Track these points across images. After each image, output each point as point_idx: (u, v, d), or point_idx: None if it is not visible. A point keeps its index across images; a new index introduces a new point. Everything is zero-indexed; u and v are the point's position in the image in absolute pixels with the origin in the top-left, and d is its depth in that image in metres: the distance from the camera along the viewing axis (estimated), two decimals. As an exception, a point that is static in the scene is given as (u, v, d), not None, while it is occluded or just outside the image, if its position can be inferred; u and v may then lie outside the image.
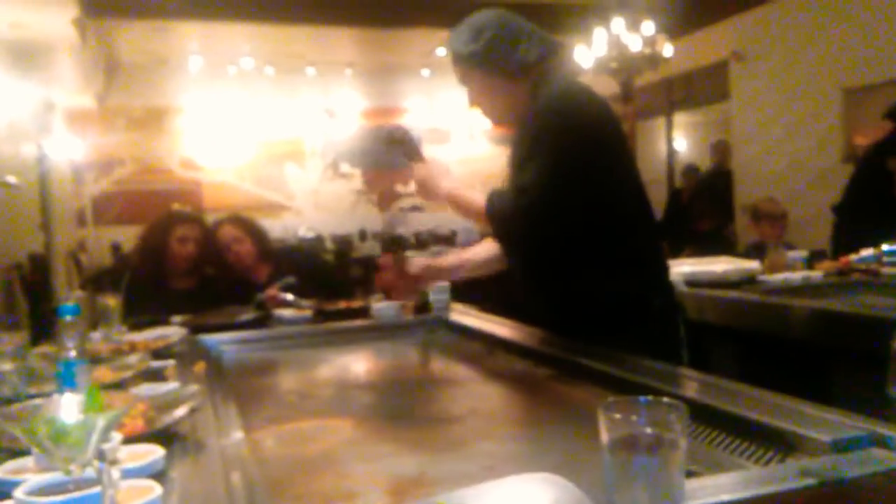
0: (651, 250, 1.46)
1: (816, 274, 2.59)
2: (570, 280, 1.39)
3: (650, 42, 5.30)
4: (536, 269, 1.45)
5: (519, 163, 1.35)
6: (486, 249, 1.65)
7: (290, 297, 2.29)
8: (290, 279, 2.46)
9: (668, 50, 5.38)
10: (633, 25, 5.29)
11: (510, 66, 1.37)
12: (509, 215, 1.30)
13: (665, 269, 1.48)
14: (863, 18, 5.00)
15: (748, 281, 2.48)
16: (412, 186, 1.50)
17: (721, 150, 6.45)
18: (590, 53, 5.44)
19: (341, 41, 7.82)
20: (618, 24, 5.28)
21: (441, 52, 7.87)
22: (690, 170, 6.54)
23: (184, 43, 7.54)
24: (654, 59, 5.36)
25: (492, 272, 1.58)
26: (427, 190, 1.45)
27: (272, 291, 2.30)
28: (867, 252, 2.63)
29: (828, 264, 2.71)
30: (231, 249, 2.56)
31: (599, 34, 5.33)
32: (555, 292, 1.45)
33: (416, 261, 1.68)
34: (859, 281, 2.51)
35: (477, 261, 1.66)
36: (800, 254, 2.75)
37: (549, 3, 6.76)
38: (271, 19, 6.54)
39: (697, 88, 7.11)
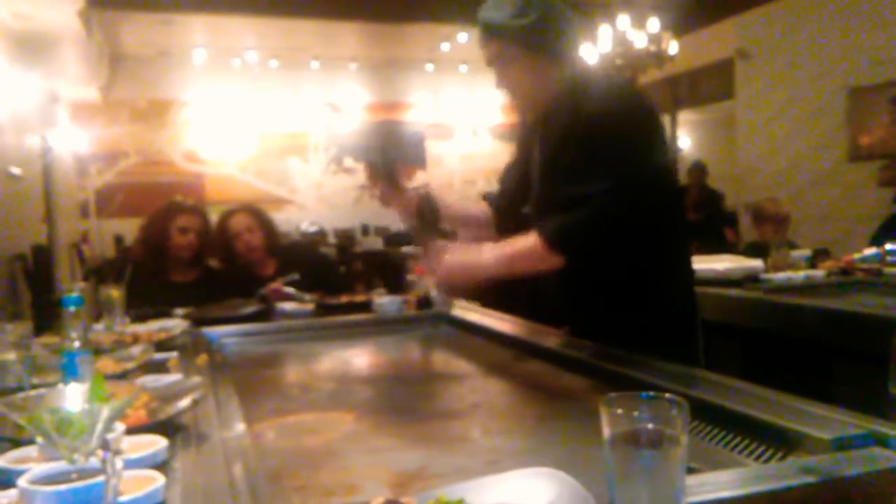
0: (686, 252, 1.45)
1: (819, 273, 2.58)
2: (610, 281, 1.33)
3: (655, 39, 5.29)
4: (588, 279, 1.36)
5: (561, 163, 1.28)
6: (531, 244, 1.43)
7: (291, 290, 2.29)
8: (295, 276, 2.46)
9: (673, 47, 5.37)
10: (639, 22, 5.28)
11: (554, 48, 1.30)
12: (578, 231, 1.23)
13: (692, 273, 1.46)
14: (868, 17, 4.98)
15: (751, 279, 2.48)
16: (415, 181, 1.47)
17: (697, 173, 6.48)
18: (595, 50, 5.43)
19: (346, 35, 7.80)
20: (623, 21, 5.27)
21: (445, 47, 7.85)
22: (697, 167, 6.53)
23: (188, 36, 7.53)
24: (658, 57, 5.35)
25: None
26: (458, 281, 1.35)
27: (274, 285, 2.30)
28: (870, 251, 2.63)
29: (830, 263, 2.71)
30: (242, 238, 2.55)
31: (604, 31, 5.32)
32: (600, 303, 1.38)
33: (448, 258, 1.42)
34: (862, 280, 2.51)
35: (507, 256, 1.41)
36: (803, 253, 2.75)
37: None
38: (276, 13, 6.53)
39: (702, 86, 7.09)
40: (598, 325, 1.37)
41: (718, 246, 3.64)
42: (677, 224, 1.41)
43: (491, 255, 1.31)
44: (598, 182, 1.21)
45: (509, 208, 1.58)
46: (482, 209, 1.63)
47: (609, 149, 1.23)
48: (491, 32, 1.33)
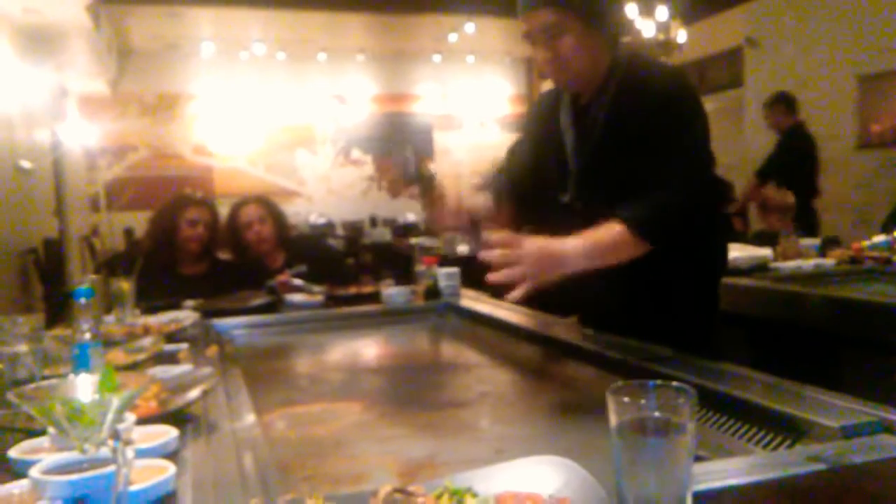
0: (724, 243, 1.43)
1: (829, 261, 2.56)
2: (645, 272, 1.22)
3: (664, 28, 5.26)
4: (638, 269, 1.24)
5: (616, 144, 1.22)
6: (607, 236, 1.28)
7: (300, 282, 2.30)
8: (303, 267, 2.47)
9: (681, 36, 5.34)
10: (647, 11, 5.24)
11: (611, 23, 1.27)
12: (670, 219, 1.16)
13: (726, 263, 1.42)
14: (877, 5, 4.91)
15: (760, 268, 2.46)
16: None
17: None
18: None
19: (353, 27, 7.78)
20: (632, 9, 5.23)
21: (452, 38, 7.81)
22: None
23: (196, 29, 7.53)
24: (667, 45, 5.32)
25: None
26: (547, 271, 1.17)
27: (283, 276, 2.32)
28: (879, 239, 2.61)
29: (840, 252, 2.69)
30: (253, 228, 2.56)
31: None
32: (621, 298, 1.31)
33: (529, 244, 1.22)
34: (871, 269, 2.50)
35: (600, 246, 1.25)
36: (812, 241, 2.73)
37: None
38: (283, 5, 6.52)
39: (711, 74, 7.03)
40: (614, 319, 1.33)
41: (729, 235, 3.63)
42: (718, 220, 1.38)
43: (579, 245, 1.17)
44: (684, 168, 1.16)
45: (515, 193, 1.47)
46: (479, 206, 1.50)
47: (686, 132, 1.18)
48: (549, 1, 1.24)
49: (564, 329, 1.45)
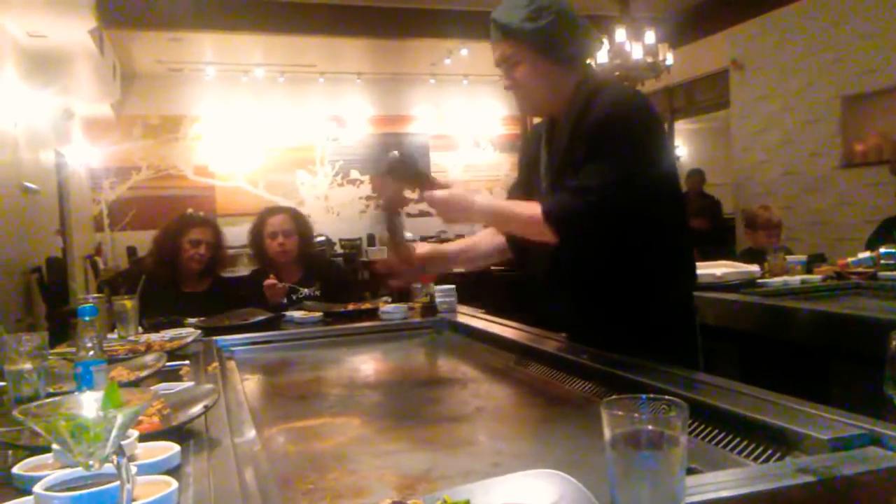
0: (690, 258, 1.45)
1: (815, 277, 2.59)
2: (614, 287, 1.32)
3: (652, 51, 5.36)
4: (578, 274, 1.36)
5: (570, 163, 1.29)
6: (490, 238, 1.59)
7: (295, 286, 2.31)
8: (316, 290, 2.47)
9: (669, 59, 5.44)
10: (636, 35, 5.34)
11: (564, 53, 1.32)
12: (578, 213, 1.22)
13: (695, 278, 1.48)
14: (860, 28, 5.02)
15: (748, 284, 2.48)
16: (424, 199, 1.39)
17: (695, 179, 6.46)
18: (593, 62, 5.49)
19: (351, 51, 7.89)
20: (620, 33, 5.33)
21: (447, 62, 7.92)
22: (695, 173, 6.54)
23: (198, 53, 7.64)
24: (655, 68, 5.42)
25: (494, 264, 1.46)
26: (453, 213, 1.33)
27: (271, 280, 2.32)
28: (864, 255, 2.63)
29: (826, 268, 2.72)
30: (277, 239, 2.54)
31: (602, 43, 5.38)
32: (601, 311, 1.38)
33: (420, 245, 1.57)
34: (857, 284, 2.52)
35: (480, 249, 1.60)
36: (799, 258, 2.76)
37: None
38: (283, 30, 6.63)
39: (698, 96, 7.15)
40: (598, 332, 1.38)
41: (719, 253, 3.67)
42: (680, 230, 1.39)
43: (486, 201, 1.33)
44: (603, 175, 1.22)
45: None
46: (489, 238, 1.61)
47: (615, 148, 1.24)
48: (503, 33, 1.33)
49: (557, 344, 1.46)
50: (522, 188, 1.53)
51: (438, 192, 1.32)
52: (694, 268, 1.46)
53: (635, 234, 1.29)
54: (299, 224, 2.61)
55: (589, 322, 1.41)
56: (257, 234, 2.59)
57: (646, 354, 1.22)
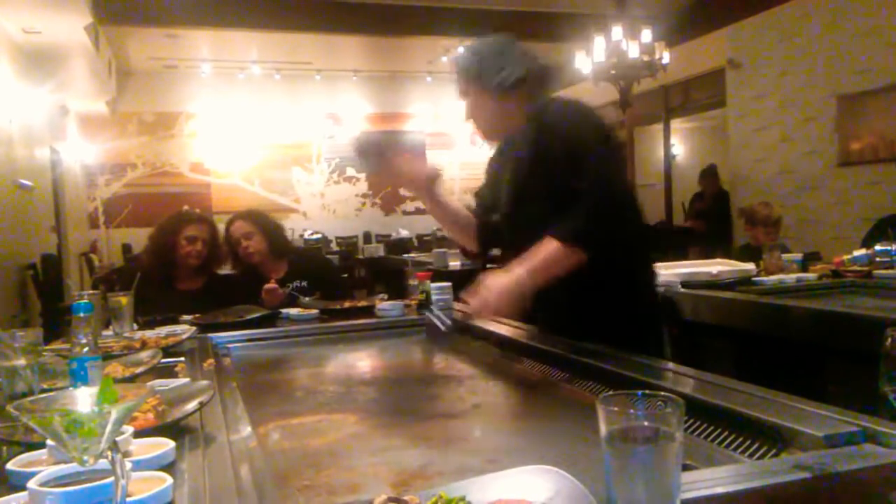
0: (647, 254, 1.58)
1: (810, 275, 2.60)
2: (590, 289, 1.42)
3: (648, 50, 5.37)
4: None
5: (532, 174, 1.44)
6: (468, 220, 1.72)
7: (295, 293, 2.32)
8: (303, 282, 2.48)
9: (665, 57, 5.44)
10: (632, 34, 5.35)
11: (493, 83, 1.49)
12: (587, 221, 1.33)
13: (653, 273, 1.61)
14: (855, 27, 5.05)
15: (744, 282, 2.49)
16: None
17: (711, 177, 6.44)
18: (589, 60, 5.49)
19: (347, 49, 7.89)
20: (617, 31, 5.34)
21: (444, 59, 7.93)
22: (710, 171, 6.51)
23: (194, 50, 7.62)
24: (652, 67, 5.43)
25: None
26: (513, 303, 1.38)
27: (271, 285, 2.32)
28: (860, 252, 2.64)
29: (821, 266, 2.73)
30: (241, 245, 2.57)
31: (599, 42, 5.39)
32: (571, 299, 1.46)
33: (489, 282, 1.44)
34: (852, 282, 2.53)
35: (459, 221, 1.71)
36: (794, 256, 2.77)
37: (551, 12, 6.82)
38: (279, 27, 6.62)
39: (694, 95, 7.17)
40: (565, 325, 1.48)
41: (716, 250, 3.69)
42: (639, 228, 1.51)
43: (523, 270, 1.36)
44: (583, 177, 1.34)
45: (483, 224, 1.73)
46: (469, 215, 1.77)
47: (588, 151, 1.36)
48: (457, 74, 1.57)
49: (553, 341, 1.46)
50: (487, 192, 1.72)
51: (486, 294, 1.37)
52: (651, 263, 1.58)
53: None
54: (258, 223, 2.62)
55: (556, 314, 1.53)
56: (229, 244, 2.61)
57: (614, 344, 1.31)
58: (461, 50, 1.60)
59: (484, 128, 1.60)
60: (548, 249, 1.36)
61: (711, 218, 6.17)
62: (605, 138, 1.42)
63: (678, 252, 4.83)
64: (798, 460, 0.75)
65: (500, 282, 1.35)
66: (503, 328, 1.68)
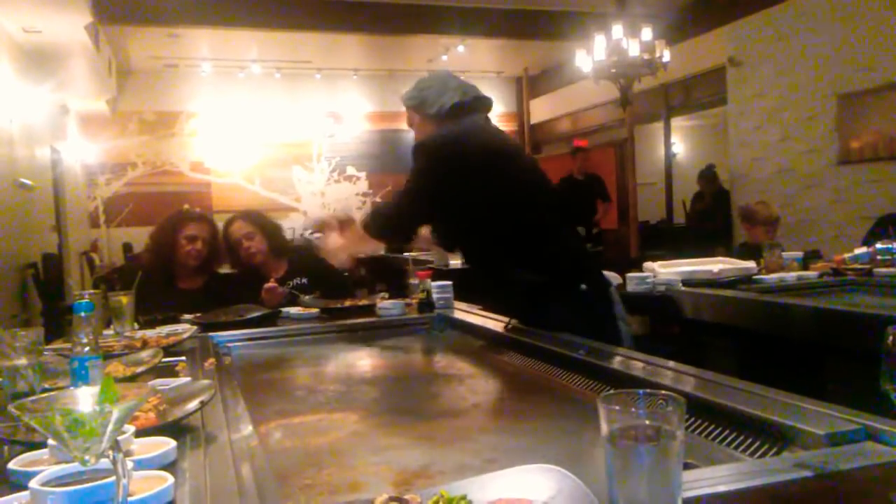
0: (566, 248, 1.75)
1: (811, 274, 2.60)
2: (504, 268, 1.71)
3: (649, 48, 5.35)
4: (477, 260, 1.83)
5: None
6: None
7: (295, 292, 2.31)
8: (303, 280, 2.48)
9: (666, 55, 5.43)
10: (633, 32, 5.34)
11: (428, 112, 1.78)
12: (373, 215, 1.84)
13: (588, 261, 1.82)
14: (856, 25, 5.03)
15: (744, 281, 2.49)
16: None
17: (709, 178, 6.44)
18: (590, 59, 5.49)
19: (348, 47, 7.88)
20: (617, 30, 5.33)
21: (444, 58, 7.92)
22: (708, 173, 6.50)
23: (194, 49, 7.61)
24: (652, 65, 5.41)
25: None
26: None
27: (271, 284, 2.32)
28: (860, 251, 2.64)
29: (822, 265, 2.73)
30: (242, 245, 2.57)
31: (599, 40, 5.38)
32: (496, 278, 1.78)
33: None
34: (853, 280, 2.53)
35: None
36: (795, 254, 2.77)
37: (551, 10, 6.82)
38: (279, 26, 6.61)
39: (695, 93, 7.15)
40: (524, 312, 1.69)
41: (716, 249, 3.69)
42: (527, 214, 1.70)
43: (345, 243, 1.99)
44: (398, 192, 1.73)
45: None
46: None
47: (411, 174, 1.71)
48: (404, 105, 1.88)
49: (554, 340, 1.46)
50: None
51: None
52: (570, 258, 1.73)
53: (489, 227, 1.67)
54: (258, 223, 2.62)
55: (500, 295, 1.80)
56: (228, 245, 2.61)
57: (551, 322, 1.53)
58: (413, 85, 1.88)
59: None
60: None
61: (712, 218, 6.17)
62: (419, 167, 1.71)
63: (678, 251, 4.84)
64: (799, 459, 0.75)
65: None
66: (503, 326, 1.68)
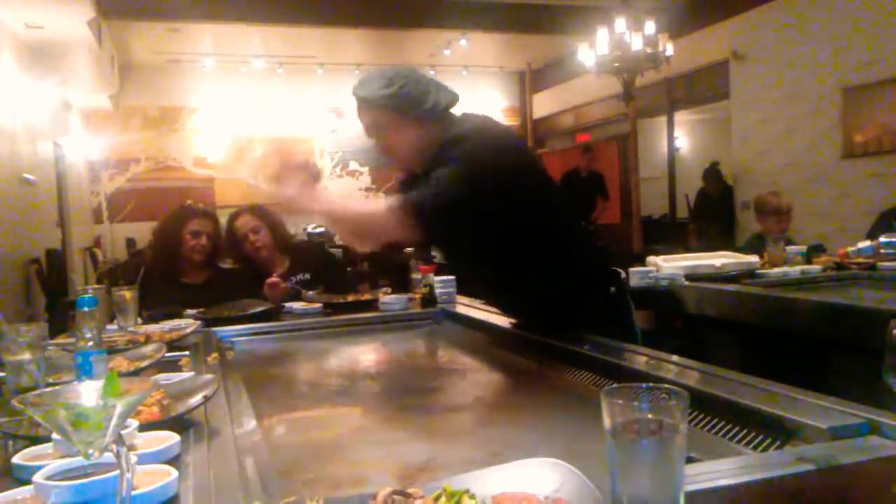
0: (587, 254, 1.64)
1: (814, 268, 2.59)
2: (516, 278, 1.53)
3: (652, 42, 5.33)
4: (481, 268, 1.59)
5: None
6: (366, 205, 1.77)
7: (297, 287, 2.32)
8: (306, 275, 2.48)
9: (669, 49, 5.41)
10: (635, 25, 5.32)
11: (419, 111, 1.48)
12: (427, 201, 1.37)
13: (608, 265, 1.67)
14: (860, 18, 5.01)
15: (747, 275, 2.49)
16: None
17: (712, 176, 6.39)
18: (592, 53, 5.47)
19: (350, 42, 7.86)
20: (620, 24, 5.30)
21: (447, 52, 7.90)
22: (712, 171, 6.47)
23: (197, 44, 7.60)
24: (655, 59, 5.39)
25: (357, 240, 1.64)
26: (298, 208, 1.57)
27: (273, 279, 2.33)
28: (864, 244, 2.64)
29: (825, 258, 2.72)
30: (248, 239, 2.57)
31: (602, 34, 5.36)
32: (501, 287, 1.60)
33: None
34: (856, 274, 2.52)
35: (352, 211, 1.64)
36: (798, 248, 2.76)
37: (554, 4, 6.78)
38: (282, 21, 6.59)
39: (698, 87, 7.12)
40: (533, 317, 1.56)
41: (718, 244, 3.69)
42: (555, 228, 1.54)
43: (328, 199, 1.55)
44: (439, 178, 1.38)
45: None
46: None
47: (457, 153, 1.40)
48: (362, 105, 1.53)
49: (556, 334, 1.46)
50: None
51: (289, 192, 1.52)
52: (591, 264, 1.61)
53: (510, 232, 1.45)
54: (264, 218, 2.61)
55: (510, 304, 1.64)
56: (231, 239, 2.61)
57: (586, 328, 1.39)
58: (363, 79, 1.56)
59: (400, 157, 1.57)
60: (371, 204, 1.51)
61: (717, 219, 6.16)
62: (461, 159, 1.43)
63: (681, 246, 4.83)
64: (802, 452, 0.75)
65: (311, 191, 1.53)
66: (506, 322, 1.68)
